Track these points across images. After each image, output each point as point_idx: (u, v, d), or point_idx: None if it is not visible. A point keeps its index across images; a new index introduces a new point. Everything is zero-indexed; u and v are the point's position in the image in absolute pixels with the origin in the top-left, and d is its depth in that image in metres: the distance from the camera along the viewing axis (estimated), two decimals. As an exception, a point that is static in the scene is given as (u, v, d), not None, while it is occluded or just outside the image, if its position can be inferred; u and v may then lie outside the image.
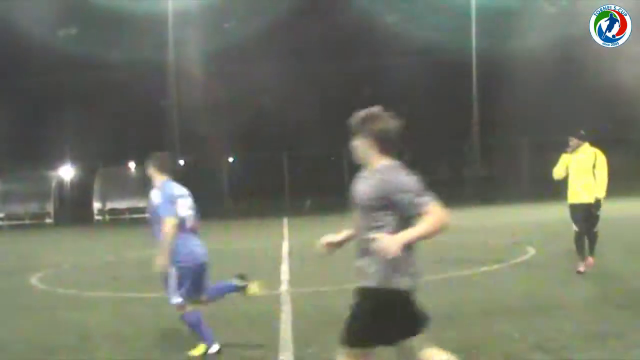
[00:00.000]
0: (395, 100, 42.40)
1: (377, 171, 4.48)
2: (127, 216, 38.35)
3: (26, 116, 41.03)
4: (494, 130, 41.55)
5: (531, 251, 14.66)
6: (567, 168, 11.37)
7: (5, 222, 39.44)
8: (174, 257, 7.10)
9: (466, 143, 43.78)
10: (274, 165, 44.81)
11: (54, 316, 10.05)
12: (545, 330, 7.48)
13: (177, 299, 7.22)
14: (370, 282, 4.43)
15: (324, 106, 43.92)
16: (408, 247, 4.29)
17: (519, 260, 13.59)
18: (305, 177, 44.93)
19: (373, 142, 4.51)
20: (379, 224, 4.39)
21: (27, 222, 40.36)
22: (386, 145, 4.52)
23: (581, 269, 11.20)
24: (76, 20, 42.42)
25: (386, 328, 4.40)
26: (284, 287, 11.48)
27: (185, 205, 7.32)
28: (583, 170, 11.22)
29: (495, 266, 12.83)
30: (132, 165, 43.15)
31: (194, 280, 7.22)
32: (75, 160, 48.26)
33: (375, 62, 41.37)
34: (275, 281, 11.84)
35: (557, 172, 11.52)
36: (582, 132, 11.41)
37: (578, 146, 11.29)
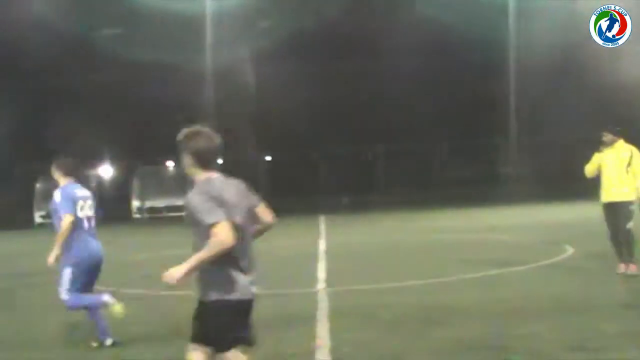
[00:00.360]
0: (431, 97, 42.42)
1: (192, 188, 4.73)
2: (166, 214, 38.63)
3: (65, 116, 41.45)
4: (531, 127, 41.12)
5: (569, 250, 14.51)
6: (599, 166, 10.93)
7: (46, 220, 40.01)
8: (72, 255, 7.65)
9: (503, 140, 43.43)
10: (310, 163, 44.93)
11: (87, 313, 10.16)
12: (582, 330, 7.43)
13: (65, 296, 7.70)
14: (199, 295, 4.72)
15: (357, 104, 43.87)
16: (222, 264, 4.53)
17: (556, 259, 13.45)
18: (342, 175, 44.98)
19: (193, 158, 4.75)
20: (195, 239, 4.61)
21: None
22: (204, 161, 4.76)
23: (621, 270, 10.83)
24: (110, 19, 42.84)
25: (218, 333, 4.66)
26: (320, 285, 11.50)
27: (85, 207, 7.85)
28: (617, 167, 10.76)
29: (532, 265, 12.70)
30: (170, 164, 43.54)
31: (88, 277, 7.76)
32: (114, 159, 48.89)
33: (409, 60, 41.06)
34: (312, 279, 11.87)
35: (589, 170, 11.10)
36: (618, 127, 10.93)
37: (613, 142, 10.82)
